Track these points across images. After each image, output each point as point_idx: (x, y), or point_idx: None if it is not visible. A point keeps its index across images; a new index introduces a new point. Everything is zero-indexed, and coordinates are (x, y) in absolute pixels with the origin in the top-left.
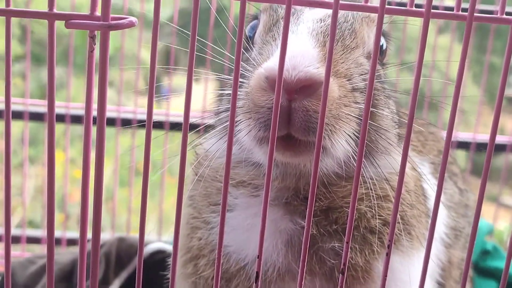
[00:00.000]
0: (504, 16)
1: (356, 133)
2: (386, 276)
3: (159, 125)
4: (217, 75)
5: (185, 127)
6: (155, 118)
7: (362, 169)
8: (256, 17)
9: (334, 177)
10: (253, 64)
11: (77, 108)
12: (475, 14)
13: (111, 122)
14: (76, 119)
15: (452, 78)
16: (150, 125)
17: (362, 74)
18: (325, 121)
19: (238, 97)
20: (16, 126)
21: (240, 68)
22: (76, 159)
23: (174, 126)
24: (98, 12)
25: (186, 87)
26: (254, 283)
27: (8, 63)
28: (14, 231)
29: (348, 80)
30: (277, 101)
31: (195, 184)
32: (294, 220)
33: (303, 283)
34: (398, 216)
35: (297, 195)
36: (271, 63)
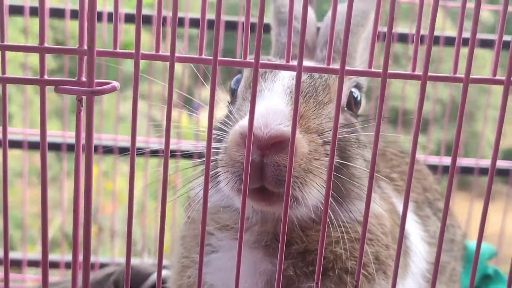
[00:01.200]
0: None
1: None
2: None
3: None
4: (195, 129)
5: (166, 157)
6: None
7: (335, 214)
8: (239, 71)
9: (309, 222)
10: (232, 119)
11: (108, 139)
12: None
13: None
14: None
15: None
16: (134, 153)
17: None
18: (295, 174)
19: (218, 151)
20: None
21: (221, 123)
22: (108, 172)
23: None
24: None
25: (165, 125)
26: None
27: (5, 125)
28: (50, 256)
29: (319, 135)
30: (247, 157)
31: (186, 225)
32: (273, 262)
33: None
34: (372, 257)
35: (276, 238)
36: (246, 121)
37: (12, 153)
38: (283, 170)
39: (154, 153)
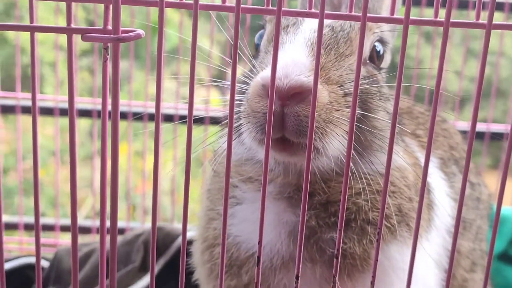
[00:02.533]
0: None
1: None
2: (377, 260)
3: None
4: (217, 81)
5: (189, 121)
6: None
7: (357, 165)
8: (263, 26)
9: (331, 173)
10: (255, 72)
11: (138, 106)
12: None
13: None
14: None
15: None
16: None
17: None
18: (316, 124)
19: (241, 102)
20: (84, 121)
21: (245, 76)
22: (140, 152)
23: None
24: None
25: (189, 89)
26: (256, 266)
27: (34, 74)
28: (83, 222)
29: (340, 86)
30: (270, 107)
31: (212, 179)
32: (296, 213)
33: (300, 268)
34: (396, 208)
35: (299, 190)
36: (267, 72)
37: (45, 132)
38: (303, 120)
39: (183, 118)
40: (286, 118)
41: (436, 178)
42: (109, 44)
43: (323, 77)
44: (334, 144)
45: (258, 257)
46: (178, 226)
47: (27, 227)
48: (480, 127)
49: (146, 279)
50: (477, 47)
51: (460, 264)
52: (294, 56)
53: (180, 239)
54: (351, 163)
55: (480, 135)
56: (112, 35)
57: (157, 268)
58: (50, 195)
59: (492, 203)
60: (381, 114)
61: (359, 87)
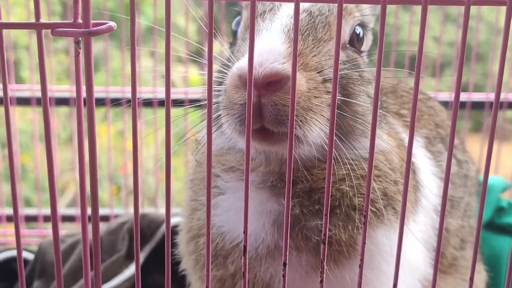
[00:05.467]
0: None
1: None
2: (364, 244)
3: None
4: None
5: (167, 105)
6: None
7: (340, 151)
8: (239, 13)
9: (314, 160)
10: (232, 61)
11: (116, 92)
12: None
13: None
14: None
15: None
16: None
17: None
18: (295, 113)
19: (219, 93)
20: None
21: (223, 65)
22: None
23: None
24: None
25: (165, 74)
26: (243, 256)
27: (4, 72)
28: (66, 211)
29: (318, 72)
30: (249, 99)
31: (194, 168)
32: (280, 201)
33: (287, 256)
34: (381, 193)
35: (281, 178)
36: (243, 62)
37: (26, 117)
38: (281, 109)
39: (163, 102)
40: (264, 108)
41: (421, 158)
42: (80, 38)
43: (301, 63)
44: (315, 132)
45: (244, 247)
46: (162, 211)
47: (11, 219)
48: (461, 97)
49: (133, 267)
50: (454, 12)
51: (450, 242)
52: (269, 44)
53: (164, 226)
54: (333, 150)
55: (462, 105)
56: (83, 29)
57: (142, 256)
58: (35, 180)
59: (479, 179)
60: (362, 99)
61: (339, 73)
